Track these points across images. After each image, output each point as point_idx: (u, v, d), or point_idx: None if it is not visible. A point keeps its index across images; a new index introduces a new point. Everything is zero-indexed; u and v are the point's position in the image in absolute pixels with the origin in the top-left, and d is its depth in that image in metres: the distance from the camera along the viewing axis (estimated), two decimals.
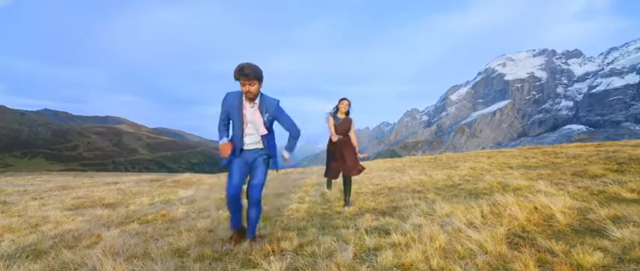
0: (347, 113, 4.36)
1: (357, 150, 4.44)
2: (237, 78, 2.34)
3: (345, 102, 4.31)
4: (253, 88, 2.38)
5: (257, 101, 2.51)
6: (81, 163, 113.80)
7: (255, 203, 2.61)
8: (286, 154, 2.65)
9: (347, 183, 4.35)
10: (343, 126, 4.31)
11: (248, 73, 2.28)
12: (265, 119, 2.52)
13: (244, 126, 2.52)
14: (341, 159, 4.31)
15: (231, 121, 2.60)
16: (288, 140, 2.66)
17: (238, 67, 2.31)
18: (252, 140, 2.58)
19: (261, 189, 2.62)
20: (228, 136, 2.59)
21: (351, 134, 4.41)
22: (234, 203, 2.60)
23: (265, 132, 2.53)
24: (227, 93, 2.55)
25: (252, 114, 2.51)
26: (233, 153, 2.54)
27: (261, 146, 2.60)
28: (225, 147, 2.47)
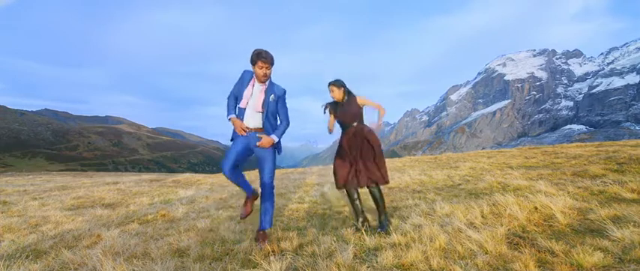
0: (348, 93, 3.11)
1: (377, 125, 3.12)
2: (254, 62, 2.57)
3: (331, 87, 3.09)
4: (268, 71, 2.62)
5: (267, 83, 2.70)
6: (81, 163, 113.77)
7: (268, 197, 2.73)
8: (275, 137, 2.70)
9: (375, 195, 3.01)
10: (348, 111, 3.06)
11: (266, 57, 2.56)
12: (269, 99, 2.69)
13: (242, 103, 2.67)
14: (354, 159, 2.98)
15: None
16: (279, 127, 2.78)
17: (256, 51, 2.56)
18: (252, 120, 2.69)
19: (273, 180, 2.75)
20: (235, 112, 2.72)
21: (369, 104, 3.12)
22: (234, 177, 2.71)
23: (260, 109, 2.68)
24: (247, 70, 2.72)
25: (257, 94, 2.67)
26: (236, 135, 2.68)
27: (260, 126, 2.71)
28: (237, 122, 2.63)
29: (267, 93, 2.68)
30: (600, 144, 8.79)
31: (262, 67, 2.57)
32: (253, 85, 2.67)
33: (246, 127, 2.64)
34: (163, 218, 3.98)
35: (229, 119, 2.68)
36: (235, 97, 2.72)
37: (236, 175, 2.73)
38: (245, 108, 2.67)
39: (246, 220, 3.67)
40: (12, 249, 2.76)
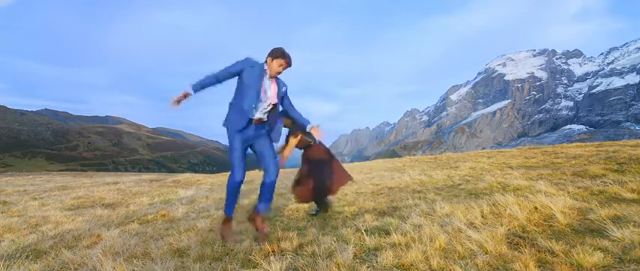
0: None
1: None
2: (276, 56, 2.62)
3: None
4: (283, 71, 2.73)
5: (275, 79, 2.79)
6: (81, 163, 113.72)
7: (271, 186, 2.74)
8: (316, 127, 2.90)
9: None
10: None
11: (290, 58, 2.67)
12: (282, 91, 2.78)
13: (261, 96, 2.63)
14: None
15: (239, 90, 2.64)
16: (300, 116, 2.92)
17: (283, 49, 2.64)
18: (261, 113, 2.68)
19: (277, 173, 2.75)
20: (200, 90, 2.53)
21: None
22: (235, 192, 2.73)
23: (275, 100, 2.74)
24: (251, 59, 2.67)
25: (269, 87, 2.70)
26: (239, 129, 2.59)
27: (265, 119, 2.73)
28: (185, 95, 2.42)
29: (279, 85, 2.77)
30: (600, 144, 8.79)
31: (282, 65, 2.64)
32: (264, 79, 2.66)
33: (180, 99, 2.43)
34: (163, 218, 3.98)
35: (188, 90, 2.43)
36: (218, 81, 2.57)
37: (238, 191, 2.74)
38: (261, 102, 2.63)
39: (247, 220, 3.67)
40: (12, 249, 2.76)
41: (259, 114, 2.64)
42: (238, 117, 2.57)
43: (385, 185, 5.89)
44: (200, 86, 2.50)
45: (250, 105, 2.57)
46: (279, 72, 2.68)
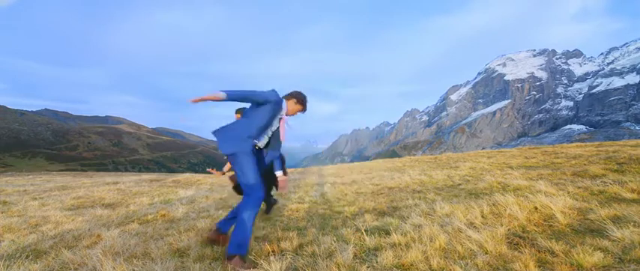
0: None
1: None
2: (301, 102, 2.80)
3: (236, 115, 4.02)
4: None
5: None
6: (81, 163, 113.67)
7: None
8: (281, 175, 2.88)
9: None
10: None
11: (306, 108, 2.88)
12: (286, 127, 2.85)
13: (268, 129, 2.69)
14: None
15: (251, 114, 2.60)
16: (279, 159, 2.94)
17: (307, 99, 2.83)
18: (262, 142, 2.71)
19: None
20: (227, 99, 2.40)
21: None
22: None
23: (282, 137, 2.84)
24: (276, 92, 2.67)
25: (278, 122, 2.77)
26: (243, 150, 2.52)
27: (263, 147, 2.77)
28: (216, 99, 2.31)
29: (284, 125, 2.86)
30: (600, 144, 8.79)
31: (300, 110, 2.84)
32: (277, 115, 2.71)
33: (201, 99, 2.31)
34: (163, 218, 3.98)
35: (221, 95, 2.31)
36: (245, 99, 2.48)
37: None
38: (266, 134, 2.71)
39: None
40: (12, 249, 2.76)
41: (260, 142, 2.69)
42: (239, 139, 2.53)
43: (385, 185, 5.89)
44: (230, 97, 2.39)
45: (257, 133, 2.59)
46: (292, 115, 2.84)
